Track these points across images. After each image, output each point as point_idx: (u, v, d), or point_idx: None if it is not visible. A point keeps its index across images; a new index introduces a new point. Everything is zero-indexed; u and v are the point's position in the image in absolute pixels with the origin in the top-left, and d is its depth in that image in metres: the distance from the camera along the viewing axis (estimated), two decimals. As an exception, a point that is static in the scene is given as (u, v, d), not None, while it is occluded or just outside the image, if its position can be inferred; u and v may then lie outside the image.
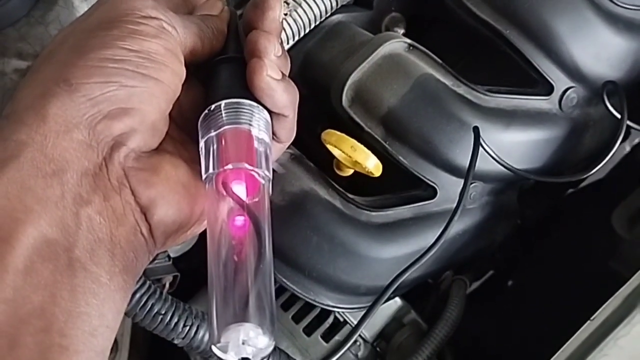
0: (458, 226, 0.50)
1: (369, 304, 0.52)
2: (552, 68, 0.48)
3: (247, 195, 0.35)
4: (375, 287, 0.49)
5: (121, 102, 0.33)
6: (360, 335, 0.55)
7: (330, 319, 0.55)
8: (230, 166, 0.34)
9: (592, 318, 0.45)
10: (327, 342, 0.54)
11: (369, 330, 0.55)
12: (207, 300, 0.32)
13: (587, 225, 0.72)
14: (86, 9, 0.49)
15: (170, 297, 0.44)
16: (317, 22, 0.49)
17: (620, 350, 0.42)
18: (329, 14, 0.49)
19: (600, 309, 0.45)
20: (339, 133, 0.44)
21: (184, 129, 0.37)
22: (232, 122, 0.35)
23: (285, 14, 0.45)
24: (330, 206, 0.48)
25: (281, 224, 0.46)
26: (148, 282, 0.43)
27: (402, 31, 0.56)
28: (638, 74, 0.50)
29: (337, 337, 0.55)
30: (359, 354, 0.55)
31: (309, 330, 0.55)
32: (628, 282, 0.45)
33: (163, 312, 0.43)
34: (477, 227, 0.52)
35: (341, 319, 0.55)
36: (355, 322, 0.54)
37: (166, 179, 0.34)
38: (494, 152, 0.45)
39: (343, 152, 0.44)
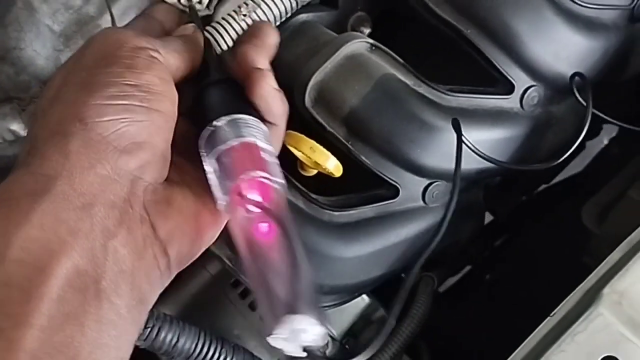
0: (421, 225, 0.50)
1: (332, 303, 0.52)
2: (512, 67, 0.49)
3: (265, 202, 0.36)
4: (339, 287, 0.50)
5: (133, 137, 0.34)
6: (328, 333, 0.55)
7: (298, 318, 0.55)
8: (243, 176, 0.35)
9: (552, 314, 0.46)
10: (295, 340, 0.55)
11: (337, 327, 0.56)
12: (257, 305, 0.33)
13: (559, 220, 0.73)
14: (46, 10, 0.49)
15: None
16: (278, 23, 0.49)
17: (578, 346, 0.42)
18: (289, 14, 0.49)
19: (560, 306, 0.45)
20: (298, 134, 0.45)
21: (179, 154, 0.38)
22: (237, 136, 0.36)
23: (245, 15, 0.45)
24: (292, 206, 0.48)
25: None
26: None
27: (368, 31, 0.56)
28: (598, 72, 0.50)
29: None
30: (327, 352, 0.55)
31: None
32: (586, 279, 0.45)
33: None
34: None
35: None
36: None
37: (179, 209, 0.36)
38: (475, 147, 0.46)
39: (303, 153, 0.45)
